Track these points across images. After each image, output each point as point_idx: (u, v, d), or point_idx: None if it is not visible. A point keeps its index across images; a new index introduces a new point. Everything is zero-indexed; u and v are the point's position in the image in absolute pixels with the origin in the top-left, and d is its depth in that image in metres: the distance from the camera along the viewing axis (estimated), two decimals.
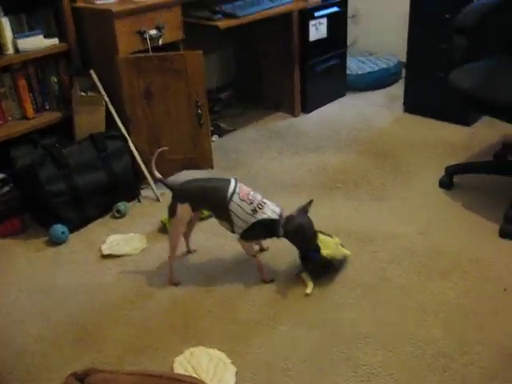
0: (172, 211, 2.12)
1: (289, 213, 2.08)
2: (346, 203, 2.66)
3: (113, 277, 2.25)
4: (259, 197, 2.08)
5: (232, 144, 3.40)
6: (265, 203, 2.06)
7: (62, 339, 1.94)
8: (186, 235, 2.32)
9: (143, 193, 2.86)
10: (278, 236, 2.08)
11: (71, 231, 2.53)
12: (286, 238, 2.07)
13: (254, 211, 2.03)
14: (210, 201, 2.11)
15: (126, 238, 2.48)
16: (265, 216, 2.03)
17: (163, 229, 2.54)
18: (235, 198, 2.05)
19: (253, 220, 2.04)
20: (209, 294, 2.12)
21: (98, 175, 2.61)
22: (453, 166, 2.76)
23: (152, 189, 2.80)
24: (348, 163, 3.05)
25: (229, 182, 2.09)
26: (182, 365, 1.80)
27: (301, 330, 1.91)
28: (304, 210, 2.09)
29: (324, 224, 2.48)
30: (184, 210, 2.09)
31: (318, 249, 2.10)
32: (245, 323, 1.96)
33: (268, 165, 3.09)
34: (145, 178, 2.79)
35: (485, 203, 2.59)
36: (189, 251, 2.36)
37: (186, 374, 1.76)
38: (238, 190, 2.06)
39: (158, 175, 2.18)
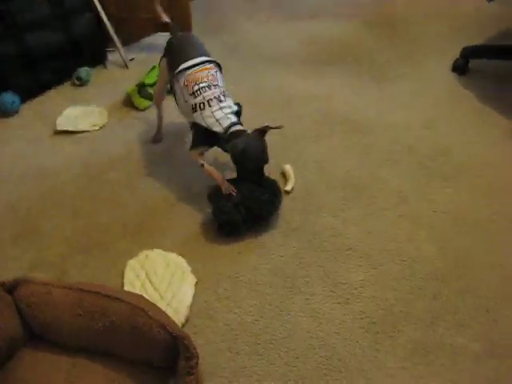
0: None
1: (247, 129, 1.65)
2: (343, 83, 2.28)
3: (65, 157, 1.95)
4: (209, 93, 1.65)
5: (216, 3, 2.92)
6: (210, 105, 1.63)
7: (1, 233, 1.69)
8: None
9: (110, 57, 2.46)
10: (223, 149, 1.69)
11: (23, 100, 2.19)
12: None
13: (193, 109, 1.66)
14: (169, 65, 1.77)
15: (86, 112, 2.14)
16: (200, 121, 1.65)
17: (128, 101, 2.19)
18: (180, 78, 1.70)
19: (190, 119, 1.70)
20: (175, 188, 1.84)
21: (53, 35, 2.20)
22: (470, 48, 2.34)
23: (119, 53, 2.40)
24: (349, 34, 2.60)
25: (194, 56, 1.71)
26: (133, 270, 1.57)
27: (274, 237, 1.65)
28: (260, 133, 1.64)
29: (316, 107, 2.14)
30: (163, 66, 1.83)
31: (254, 188, 1.65)
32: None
33: (254, 31, 2.65)
34: (111, 39, 2.38)
35: (502, 95, 2.22)
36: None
37: (138, 280, 1.54)
38: (188, 72, 1.68)
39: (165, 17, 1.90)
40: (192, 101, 1.66)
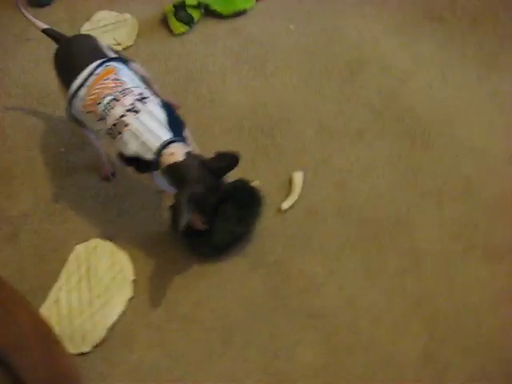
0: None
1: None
2: (436, 57, 1.71)
3: None
4: (120, 108, 1.19)
5: None
6: (125, 125, 1.18)
7: None
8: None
9: None
10: None
11: None
12: None
13: (111, 134, 1.22)
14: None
15: (117, 21, 1.83)
16: (125, 151, 1.21)
17: (164, 20, 1.83)
18: (77, 103, 1.26)
19: (116, 144, 1.24)
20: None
21: None
22: None
23: None
24: None
25: (83, 66, 1.25)
26: (78, 259, 1.43)
27: (238, 267, 1.38)
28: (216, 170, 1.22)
29: (381, 86, 1.67)
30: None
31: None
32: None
33: None
34: None
35: None
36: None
37: (77, 273, 1.40)
38: (82, 91, 1.24)
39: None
40: (105, 127, 1.23)
